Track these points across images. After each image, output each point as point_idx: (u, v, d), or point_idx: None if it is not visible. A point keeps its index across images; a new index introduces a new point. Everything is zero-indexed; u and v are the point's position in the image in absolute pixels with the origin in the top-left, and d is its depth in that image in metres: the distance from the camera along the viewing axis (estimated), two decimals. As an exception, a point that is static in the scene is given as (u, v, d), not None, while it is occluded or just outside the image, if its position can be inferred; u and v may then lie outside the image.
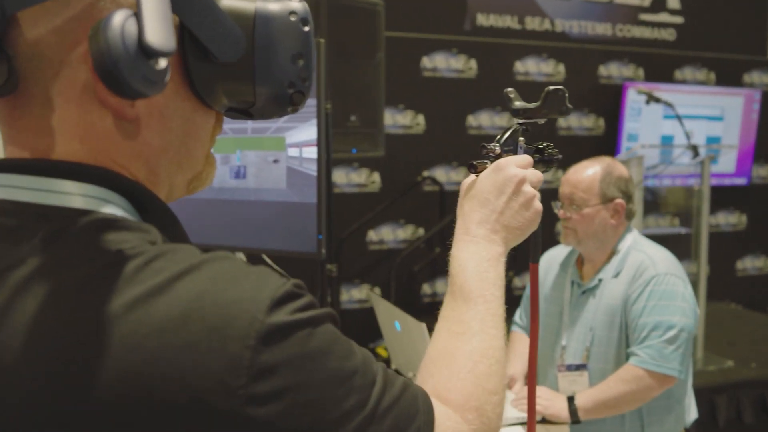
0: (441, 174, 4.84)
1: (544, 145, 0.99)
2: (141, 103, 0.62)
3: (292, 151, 1.96)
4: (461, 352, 0.76)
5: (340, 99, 2.69)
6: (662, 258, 2.05)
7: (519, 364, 2.16)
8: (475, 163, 0.92)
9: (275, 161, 1.98)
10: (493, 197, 0.86)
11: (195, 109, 0.68)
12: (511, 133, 0.97)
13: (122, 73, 0.53)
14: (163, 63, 0.55)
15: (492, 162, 0.91)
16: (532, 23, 4.94)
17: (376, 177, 4.71)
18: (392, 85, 4.60)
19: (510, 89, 0.99)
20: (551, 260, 2.26)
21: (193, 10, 0.61)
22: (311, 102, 1.93)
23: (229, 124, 2.05)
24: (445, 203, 4.77)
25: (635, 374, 1.91)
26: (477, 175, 0.91)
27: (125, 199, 0.63)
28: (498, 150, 0.93)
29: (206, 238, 2.14)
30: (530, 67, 4.97)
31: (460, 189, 0.95)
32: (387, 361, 2.67)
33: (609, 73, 5.11)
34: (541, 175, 0.91)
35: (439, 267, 4.71)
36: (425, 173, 4.75)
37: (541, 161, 0.98)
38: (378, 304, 2.26)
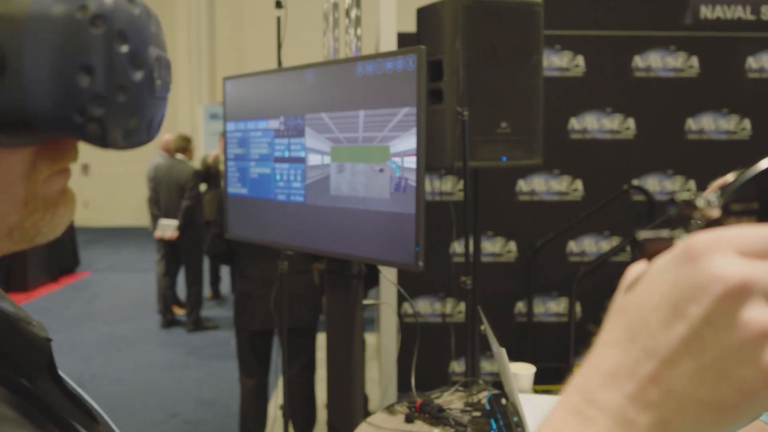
0: (653, 183, 4.47)
1: None
2: None
3: (396, 161, 1.93)
4: None
5: (487, 105, 2.59)
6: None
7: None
8: (649, 236, 0.43)
9: (381, 170, 1.97)
10: (660, 322, 0.40)
11: None
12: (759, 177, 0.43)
13: None
14: None
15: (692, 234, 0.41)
16: (768, 13, 4.36)
17: (579, 185, 4.48)
18: (598, 88, 4.36)
19: None
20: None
21: None
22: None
23: (345, 133, 2.08)
24: (655, 215, 4.39)
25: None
26: (649, 261, 0.43)
27: None
28: (716, 211, 0.43)
29: (318, 243, 2.20)
30: (766, 63, 4.38)
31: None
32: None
33: None
34: None
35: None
36: (634, 182, 4.41)
37: None
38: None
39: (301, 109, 2.22)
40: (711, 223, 0.43)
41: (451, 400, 2.08)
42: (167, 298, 6.43)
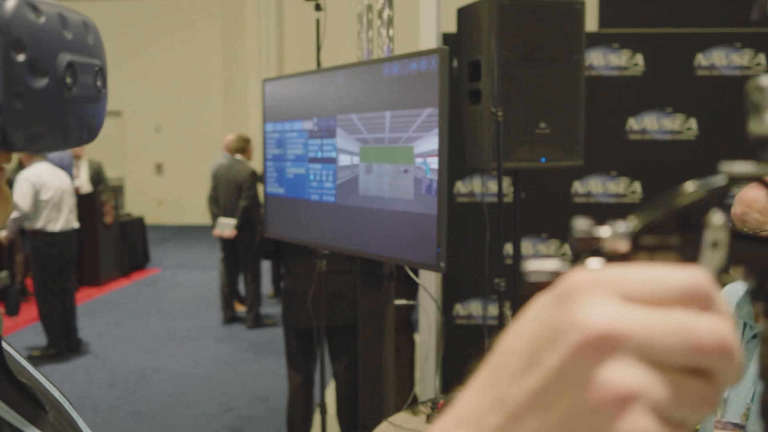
0: (716, 186, 4.30)
1: None
2: None
3: (419, 162, 1.93)
4: None
5: (525, 105, 2.55)
6: None
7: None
8: (534, 269, 0.37)
9: (405, 171, 1.97)
10: (517, 369, 0.34)
11: None
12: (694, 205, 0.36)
13: None
14: None
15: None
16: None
17: (637, 187, 4.36)
18: (659, 87, 4.23)
19: None
20: (730, 296, 1.88)
21: None
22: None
23: (373, 134, 2.09)
24: (717, 218, 4.22)
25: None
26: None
27: None
28: (623, 244, 0.36)
29: (348, 243, 2.21)
30: None
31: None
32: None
33: None
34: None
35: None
36: (695, 184, 4.26)
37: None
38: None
39: (332, 110, 2.25)
40: (616, 259, 0.36)
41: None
42: (228, 295, 6.59)
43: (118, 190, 12.86)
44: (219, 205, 6.24)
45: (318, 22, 2.72)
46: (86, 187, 9.25)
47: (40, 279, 5.51)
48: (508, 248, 3.55)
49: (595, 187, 4.36)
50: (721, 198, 0.36)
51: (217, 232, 6.18)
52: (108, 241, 8.41)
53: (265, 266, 7.08)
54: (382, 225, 2.04)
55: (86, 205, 8.09)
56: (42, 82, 0.55)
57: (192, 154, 13.79)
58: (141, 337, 6.27)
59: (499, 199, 2.56)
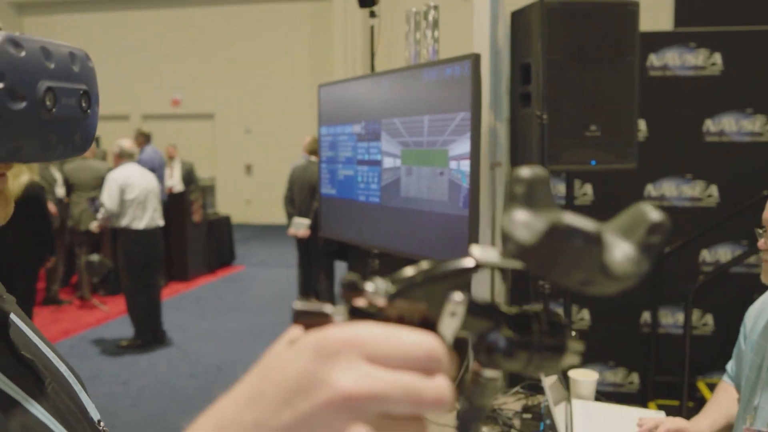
0: (798, 190, 4.11)
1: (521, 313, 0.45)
2: None
3: (453, 164, 1.97)
4: None
5: (575, 107, 2.55)
6: None
7: (708, 419, 1.81)
8: (303, 309, 0.42)
9: (441, 174, 2.02)
10: (275, 401, 0.41)
11: None
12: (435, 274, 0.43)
13: None
14: None
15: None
16: None
17: (714, 190, 4.23)
18: (738, 87, 4.08)
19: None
20: (765, 303, 1.83)
21: None
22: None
23: (413, 138, 2.15)
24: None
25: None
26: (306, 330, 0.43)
27: None
28: (381, 300, 0.42)
29: (390, 243, 2.28)
30: None
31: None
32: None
33: None
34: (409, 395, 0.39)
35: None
36: (776, 188, 4.09)
37: (490, 351, 0.44)
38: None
39: (378, 114, 2.33)
40: (376, 312, 0.42)
41: (508, 402, 2.09)
42: (304, 293, 6.78)
43: (208, 190, 13.38)
44: (294, 204, 6.44)
45: (372, 28, 2.80)
46: (178, 186, 9.71)
47: (126, 274, 5.84)
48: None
49: (669, 190, 4.25)
50: (465, 278, 0.43)
51: (291, 231, 6.38)
52: (196, 239, 8.79)
53: (341, 265, 7.24)
54: (420, 226, 2.10)
55: (176, 203, 8.49)
56: (20, 105, 0.66)
57: (280, 155, 14.19)
58: (222, 330, 6.54)
59: (567, 201, 2.57)
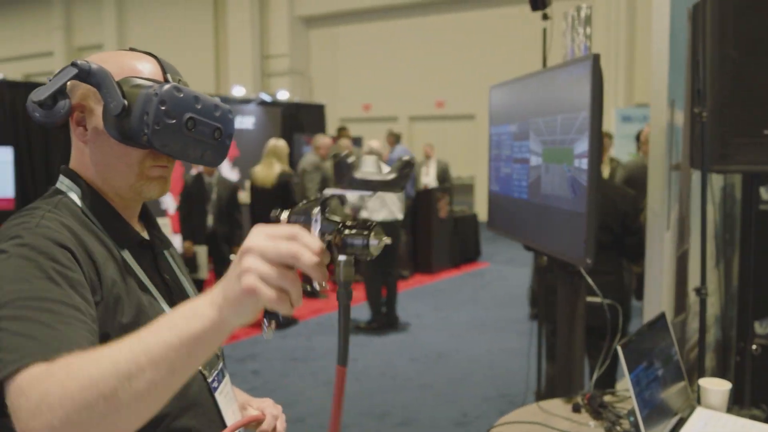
0: None
1: (350, 225, 0.82)
2: (89, 135, 1.19)
3: (577, 162, 2.01)
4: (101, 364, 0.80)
5: (752, 104, 2.37)
6: None
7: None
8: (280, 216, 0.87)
9: (567, 171, 2.07)
10: (231, 275, 0.80)
11: (111, 145, 1.15)
12: (309, 204, 0.83)
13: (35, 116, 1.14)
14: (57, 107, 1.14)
15: None
16: None
17: None
18: None
19: (347, 152, 0.82)
20: None
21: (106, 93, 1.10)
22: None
23: (551, 137, 2.22)
24: None
25: None
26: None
27: (79, 189, 1.22)
28: (283, 217, 0.83)
29: (534, 238, 2.37)
30: None
31: None
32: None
33: None
34: (281, 249, 0.75)
35: None
36: None
37: (342, 246, 0.81)
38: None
39: (527, 114, 2.43)
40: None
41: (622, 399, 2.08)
42: (534, 291, 6.84)
43: (461, 189, 13.86)
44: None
45: (545, 31, 2.87)
46: (433, 183, 10.29)
47: (366, 264, 6.43)
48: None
49: None
50: (323, 203, 0.83)
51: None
52: (441, 234, 9.25)
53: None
54: (552, 222, 2.17)
55: (425, 200, 9.03)
56: (171, 121, 1.10)
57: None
58: (452, 322, 6.88)
59: (702, 208, 2.44)
